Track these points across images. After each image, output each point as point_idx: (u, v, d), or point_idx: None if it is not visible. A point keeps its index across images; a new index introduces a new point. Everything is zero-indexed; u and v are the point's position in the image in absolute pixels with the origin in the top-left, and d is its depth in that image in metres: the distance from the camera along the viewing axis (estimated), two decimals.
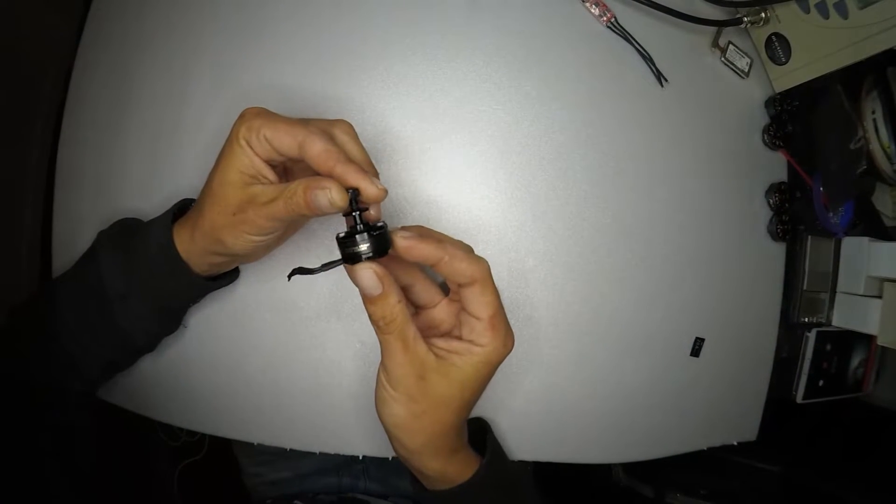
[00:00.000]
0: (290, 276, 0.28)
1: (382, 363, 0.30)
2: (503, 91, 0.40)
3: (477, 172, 0.40)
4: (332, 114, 0.39)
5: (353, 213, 0.28)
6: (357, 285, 0.28)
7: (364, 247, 0.27)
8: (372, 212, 0.29)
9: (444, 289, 0.34)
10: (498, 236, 0.41)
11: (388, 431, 0.32)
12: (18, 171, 0.43)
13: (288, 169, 0.33)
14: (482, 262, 0.30)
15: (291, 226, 0.35)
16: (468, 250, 0.30)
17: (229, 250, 0.31)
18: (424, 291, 0.34)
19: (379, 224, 0.29)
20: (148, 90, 0.40)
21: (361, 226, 0.28)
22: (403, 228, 0.30)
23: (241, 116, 0.29)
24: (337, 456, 0.41)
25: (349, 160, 0.28)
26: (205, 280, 0.34)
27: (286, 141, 0.28)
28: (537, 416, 0.42)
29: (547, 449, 0.42)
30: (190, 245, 0.32)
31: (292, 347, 0.40)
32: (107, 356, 0.35)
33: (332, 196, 0.27)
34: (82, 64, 0.41)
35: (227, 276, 0.37)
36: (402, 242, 0.28)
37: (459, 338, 0.31)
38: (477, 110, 0.40)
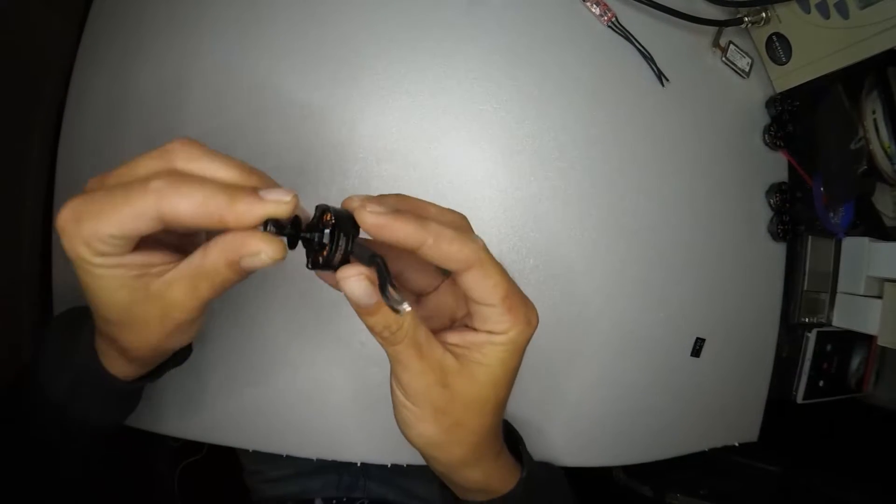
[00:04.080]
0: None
1: (396, 378, 0.25)
2: (504, 91, 0.40)
3: (478, 172, 0.40)
4: (332, 114, 0.39)
5: (296, 235, 0.22)
6: (348, 298, 0.22)
7: (339, 255, 0.22)
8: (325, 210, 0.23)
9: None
10: (498, 237, 0.40)
11: (421, 453, 0.27)
12: (18, 171, 0.43)
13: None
14: (476, 242, 0.24)
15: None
16: (459, 226, 0.25)
17: (170, 351, 0.27)
18: (419, 275, 0.28)
19: (327, 215, 0.22)
20: (148, 90, 0.40)
21: (309, 234, 0.22)
22: (372, 199, 0.23)
23: (61, 230, 0.20)
24: None
25: (230, 193, 0.20)
26: (144, 380, 0.29)
27: (140, 224, 0.20)
28: (536, 419, 0.42)
29: (547, 453, 0.42)
30: (125, 365, 0.27)
31: (290, 351, 0.39)
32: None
33: (265, 257, 0.21)
34: (82, 64, 0.41)
35: (178, 358, 0.31)
36: (370, 219, 0.22)
37: (474, 328, 0.26)
38: (477, 110, 0.40)
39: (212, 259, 0.21)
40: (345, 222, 0.22)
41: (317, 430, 0.39)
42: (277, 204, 0.21)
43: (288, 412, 0.40)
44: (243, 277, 0.22)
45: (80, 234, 0.20)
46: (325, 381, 0.40)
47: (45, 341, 0.30)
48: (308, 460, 0.40)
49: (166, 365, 0.30)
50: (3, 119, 0.40)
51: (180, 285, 0.22)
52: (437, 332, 0.26)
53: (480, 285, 0.24)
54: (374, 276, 0.22)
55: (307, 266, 0.23)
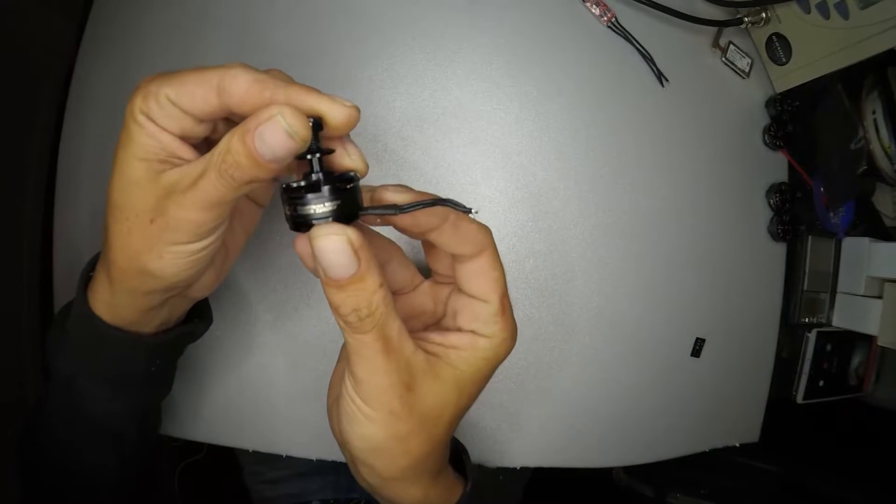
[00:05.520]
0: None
1: (350, 370, 0.22)
2: (504, 91, 0.40)
3: (477, 173, 0.40)
4: None
5: (311, 156, 0.19)
6: (317, 260, 0.19)
7: (326, 205, 0.19)
8: (347, 160, 0.21)
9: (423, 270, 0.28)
10: (498, 237, 0.40)
11: (354, 457, 0.24)
12: (18, 171, 0.43)
13: (212, 143, 0.22)
14: (488, 228, 0.23)
15: (237, 227, 0.27)
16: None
17: (159, 280, 0.23)
18: (401, 270, 0.26)
19: (349, 174, 0.20)
20: None
21: (321, 174, 0.19)
22: (384, 187, 0.22)
23: (136, 87, 0.21)
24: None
25: (293, 83, 0.20)
26: (142, 336, 0.26)
27: (198, 91, 0.20)
28: (537, 420, 0.42)
29: (548, 455, 0.42)
30: (110, 295, 0.24)
31: (289, 351, 0.39)
32: (102, 448, 0.29)
33: (286, 122, 0.18)
34: (82, 64, 0.41)
35: (189, 326, 0.28)
36: (396, 197, 0.21)
37: (458, 329, 0.24)
38: (477, 110, 0.40)
39: (226, 137, 0.19)
40: (350, 196, 0.20)
41: (317, 430, 0.39)
42: (335, 103, 0.19)
43: (288, 412, 0.39)
44: (254, 177, 0.19)
45: (145, 87, 0.20)
46: (326, 382, 0.39)
47: (50, 328, 0.29)
48: (307, 461, 0.40)
49: (182, 338, 0.28)
50: (3, 119, 0.40)
51: (188, 175, 0.20)
52: (410, 332, 0.24)
53: (486, 276, 0.23)
54: (357, 239, 0.19)
55: (289, 225, 0.20)
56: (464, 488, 0.27)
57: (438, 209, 0.21)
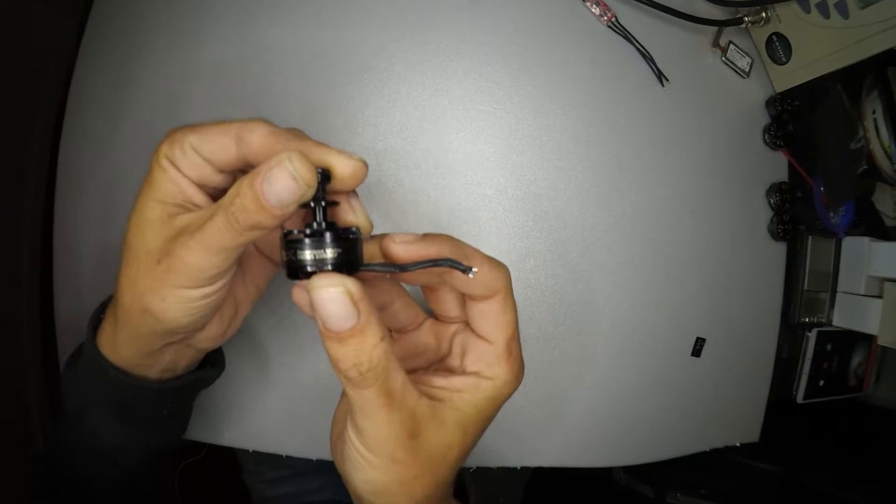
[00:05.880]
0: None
1: (352, 419, 0.22)
2: (504, 91, 0.40)
3: (477, 172, 0.40)
4: (332, 113, 0.39)
5: (315, 205, 0.20)
6: (315, 311, 0.19)
7: (326, 252, 0.19)
8: (351, 216, 0.21)
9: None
10: (499, 237, 0.40)
11: (358, 498, 0.24)
12: (18, 171, 0.43)
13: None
14: (504, 268, 0.23)
15: (249, 283, 0.27)
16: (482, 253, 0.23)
17: (160, 323, 0.23)
18: (404, 309, 0.26)
19: (351, 228, 0.20)
20: (148, 90, 0.40)
21: (324, 222, 0.20)
22: (389, 236, 0.22)
23: (165, 135, 0.22)
24: None
25: (307, 138, 0.21)
26: (146, 380, 0.26)
27: (219, 141, 0.21)
28: (537, 420, 0.42)
29: (548, 454, 0.42)
30: (113, 335, 0.25)
31: (290, 351, 0.39)
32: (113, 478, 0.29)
33: (293, 166, 0.18)
34: (82, 64, 0.41)
35: (197, 374, 0.29)
36: (402, 250, 0.21)
37: (462, 371, 0.24)
38: (477, 110, 0.40)
39: (237, 184, 0.19)
40: (350, 247, 0.20)
41: (317, 430, 0.39)
42: (344, 157, 0.20)
43: (288, 412, 0.39)
44: (260, 224, 0.19)
45: (172, 135, 0.22)
46: (326, 382, 0.40)
47: (66, 364, 0.30)
48: (307, 461, 0.40)
49: (191, 386, 0.28)
50: (3, 119, 0.40)
51: (198, 219, 0.21)
52: (411, 372, 0.24)
53: (496, 318, 0.23)
54: (357, 291, 0.19)
55: (286, 275, 0.20)
56: None
57: (448, 247, 0.21)
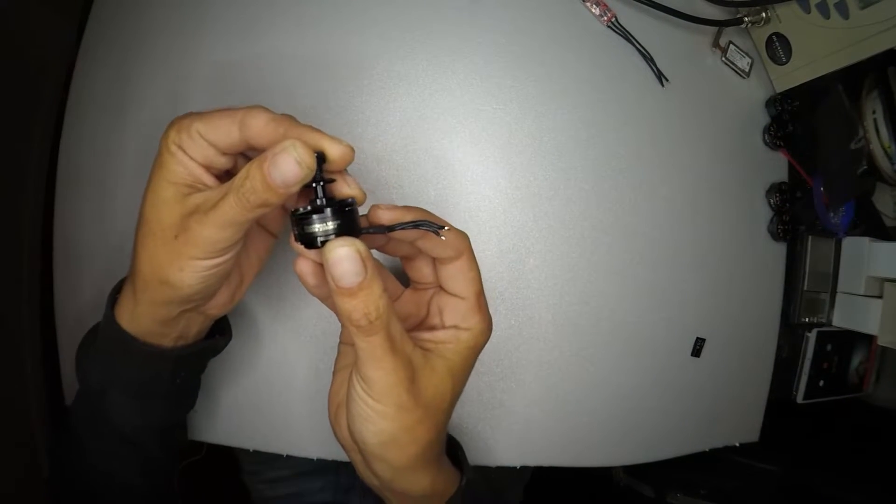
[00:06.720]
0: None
1: (360, 373, 0.25)
2: (504, 91, 0.40)
3: (477, 172, 0.40)
4: (332, 113, 0.39)
5: (315, 185, 0.23)
6: (329, 273, 0.22)
7: (329, 224, 0.22)
8: (346, 189, 0.24)
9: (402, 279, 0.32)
10: (499, 237, 0.41)
11: (369, 453, 0.26)
12: (18, 171, 0.43)
13: (231, 176, 0.26)
14: (465, 234, 0.27)
15: (252, 253, 0.30)
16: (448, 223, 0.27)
17: (177, 291, 0.25)
18: (388, 282, 0.29)
19: (347, 200, 0.24)
20: (148, 90, 0.40)
21: (324, 199, 0.23)
22: (375, 206, 0.26)
23: (170, 123, 0.25)
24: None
25: (302, 124, 0.24)
26: (163, 348, 0.29)
27: (223, 126, 0.24)
28: (537, 420, 0.42)
29: (548, 454, 0.42)
30: (133, 306, 0.27)
31: (290, 351, 0.39)
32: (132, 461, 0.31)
33: (298, 154, 0.21)
34: (82, 64, 0.41)
35: (210, 341, 0.31)
36: (387, 214, 0.25)
37: (442, 326, 0.28)
38: (477, 110, 0.40)
39: (245, 168, 0.22)
40: (349, 217, 0.23)
41: (317, 429, 0.39)
42: (335, 142, 0.23)
43: (288, 412, 0.39)
44: (267, 202, 0.22)
45: (179, 122, 0.25)
46: (326, 381, 0.39)
47: (79, 349, 0.31)
48: (307, 461, 0.40)
49: (204, 351, 0.31)
50: (3, 119, 0.40)
51: (210, 198, 0.23)
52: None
53: (464, 276, 0.27)
54: (364, 250, 0.22)
55: (294, 239, 0.24)
56: (462, 476, 0.31)
57: (423, 216, 0.25)
